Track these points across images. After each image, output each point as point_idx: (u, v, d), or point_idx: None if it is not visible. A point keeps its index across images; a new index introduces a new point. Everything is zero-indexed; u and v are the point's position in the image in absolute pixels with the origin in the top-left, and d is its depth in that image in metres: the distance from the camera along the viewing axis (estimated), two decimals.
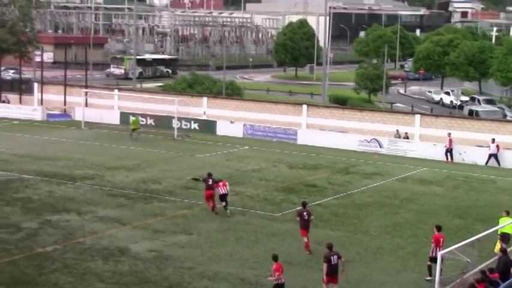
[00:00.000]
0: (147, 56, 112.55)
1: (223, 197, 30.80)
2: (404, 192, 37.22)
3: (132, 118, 51.78)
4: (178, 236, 27.76)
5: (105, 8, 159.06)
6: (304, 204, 27.26)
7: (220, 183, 30.93)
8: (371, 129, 51.36)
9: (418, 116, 51.46)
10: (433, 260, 23.11)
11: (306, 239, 26.40)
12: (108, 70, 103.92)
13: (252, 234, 28.36)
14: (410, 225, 30.65)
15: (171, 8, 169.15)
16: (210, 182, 31.03)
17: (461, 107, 73.69)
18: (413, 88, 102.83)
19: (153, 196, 33.80)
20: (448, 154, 47.10)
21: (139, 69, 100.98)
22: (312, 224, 26.94)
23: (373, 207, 33.64)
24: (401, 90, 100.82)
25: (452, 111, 73.45)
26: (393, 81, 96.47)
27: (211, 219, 30.17)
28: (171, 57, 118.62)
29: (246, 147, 48.99)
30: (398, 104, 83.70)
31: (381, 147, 49.53)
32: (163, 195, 34.01)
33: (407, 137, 49.66)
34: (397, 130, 50.13)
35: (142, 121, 54.93)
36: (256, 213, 31.34)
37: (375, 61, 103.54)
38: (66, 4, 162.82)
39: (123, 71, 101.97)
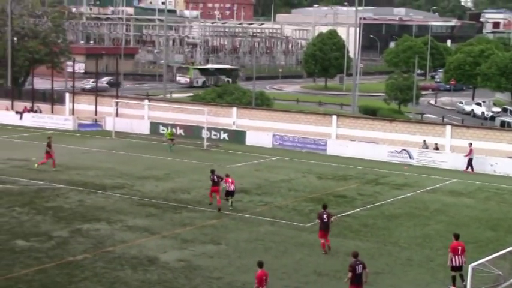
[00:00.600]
0: (210, 66, 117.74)
1: (230, 193, 33.04)
2: (434, 203, 36.90)
3: (167, 131, 52.12)
4: (207, 245, 27.78)
5: (136, 19, 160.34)
6: (324, 207, 27.79)
7: (229, 180, 33.12)
8: (401, 140, 51.11)
9: (448, 127, 51.11)
10: (454, 268, 23.36)
11: (322, 241, 27.09)
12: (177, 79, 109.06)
13: (280, 244, 28.29)
14: (440, 236, 30.35)
15: (202, 19, 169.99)
16: (216, 179, 33.12)
17: (493, 118, 73.06)
18: (444, 99, 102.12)
19: (182, 206, 33.88)
20: (469, 164, 46.97)
21: (203, 78, 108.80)
22: (341, 234, 26.80)
23: (403, 218, 33.39)
24: (432, 101, 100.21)
25: (484, 122, 72.85)
26: (424, 92, 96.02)
27: (240, 229, 30.16)
28: (231, 67, 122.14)
29: (276, 158, 48.96)
30: (428, 115, 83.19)
31: (411, 158, 49.21)
32: (192, 205, 34.06)
33: (437, 148, 49.27)
34: (424, 141, 49.77)
35: (171, 131, 55.11)
36: (285, 224, 31.27)
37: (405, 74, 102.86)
38: (98, 15, 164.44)
39: (188, 80, 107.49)
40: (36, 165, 41.46)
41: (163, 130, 56.31)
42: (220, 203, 32.97)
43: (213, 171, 33.55)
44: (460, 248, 23.61)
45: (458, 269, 23.52)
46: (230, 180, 33.21)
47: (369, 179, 42.76)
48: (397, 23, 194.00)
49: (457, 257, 23.43)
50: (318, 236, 27.43)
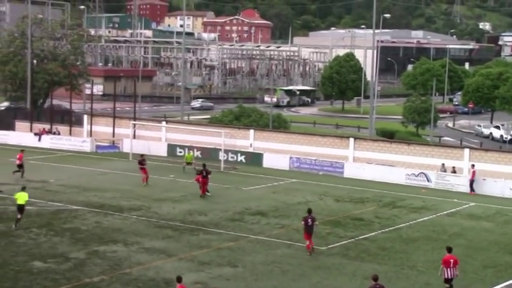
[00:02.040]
0: (293, 87, 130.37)
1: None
2: (452, 227, 36.62)
3: (186, 154, 52.21)
4: (223, 268, 27.70)
5: (154, 41, 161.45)
6: (309, 211, 30.26)
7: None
8: (419, 163, 50.86)
9: (467, 150, 50.80)
10: (446, 281, 24.58)
11: (307, 242, 29.68)
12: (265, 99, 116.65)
13: (297, 267, 28.15)
14: (459, 260, 30.03)
15: (219, 42, 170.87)
16: (205, 174, 41.35)
17: (511, 141, 72.57)
18: (462, 122, 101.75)
19: (199, 228, 33.84)
20: (471, 185, 47.07)
21: (288, 99, 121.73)
22: (358, 257, 26.65)
23: (421, 241, 33.14)
24: (450, 124, 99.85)
25: (503, 145, 72.39)
26: (442, 115, 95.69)
27: (256, 252, 30.06)
28: (311, 88, 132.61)
29: (292, 180, 48.87)
30: (446, 138, 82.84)
31: (428, 181, 48.95)
32: (209, 227, 34.02)
33: (454, 171, 49.00)
34: (443, 164, 49.54)
35: (190, 154, 55.21)
36: (302, 247, 31.08)
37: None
38: (117, 38, 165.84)
39: (275, 100, 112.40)
40: (144, 183, 44.43)
41: (180, 152, 56.44)
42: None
43: (204, 165, 42.18)
44: (452, 260, 24.59)
45: (449, 281, 24.60)
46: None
47: (386, 202, 42.55)
48: (414, 45, 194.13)
49: (449, 269, 24.52)
50: (304, 237, 29.96)
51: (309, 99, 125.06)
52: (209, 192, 41.81)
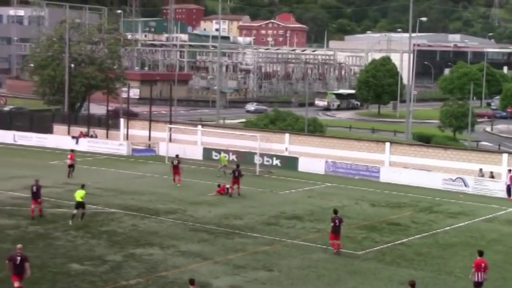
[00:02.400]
0: (343, 91, 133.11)
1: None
2: (491, 233, 36.18)
3: (220, 156, 52.34)
4: (259, 272, 27.68)
5: (190, 45, 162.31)
6: (335, 212, 30.93)
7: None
8: (456, 168, 50.36)
9: (505, 155, 50.16)
10: (477, 284, 24.39)
11: (332, 242, 30.37)
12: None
13: (333, 272, 28.03)
14: (497, 267, 29.68)
15: (255, 46, 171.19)
16: (236, 174, 42.62)
17: None
18: (501, 126, 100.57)
19: (235, 232, 33.88)
20: (508, 191, 46.49)
21: (338, 102, 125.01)
22: (394, 263, 26.47)
23: (458, 247, 32.79)
24: (488, 129, 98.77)
25: None
26: (479, 119, 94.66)
27: (292, 256, 30.00)
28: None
29: (328, 184, 48.72)
30: (484, 143, 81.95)
31: (466, 186, 48.43)
32: (244, 231, 34.04)
33: (492, 176, 48.40)
34: (481, 169, 48.96)
35: (225, 157, 55.36)
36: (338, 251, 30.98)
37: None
38: (153, 42, 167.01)
39: (326, 103, 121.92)
40: (178, 184, 45.69)
41: (216, 156, 56.59)
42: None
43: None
44: (483, 264, 24.51)
45: (480, 284, 24.44)
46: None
47: (423, 207, 42.19)
48: (451, 49, 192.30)
49: (479, 273, 24.39)
50: (330, 238, 30.39)
51: (358, 103, 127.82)
52: (240, 194, 42.74)
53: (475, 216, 40.17)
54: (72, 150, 49.20)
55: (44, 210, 35.91)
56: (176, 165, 46.41)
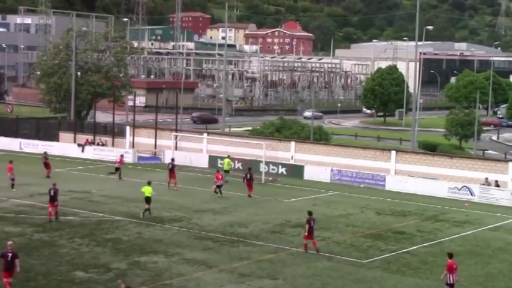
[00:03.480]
0: None
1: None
2: (496, 241, 36.06)
3: (225, 159, 52.17)
4: (264, 280, 27.64)
5: (196, 53, 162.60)
6: (310, 213, 31.80)
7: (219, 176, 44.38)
8: (462, 177, 50.24)
9: (511, 164, 50.01)
10: (450, 286, 25.68)
11: (306, 242, 31.48)
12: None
13: (338, 280, 27.97)
14: (503, 276, 29.61)
15: (261, 54, 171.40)
16: (249, 177, 45.37)
17: None
18: (507, 135, 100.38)
19: (240, 240, 33.86)
20: None
21: None
22: (400, 271, 26.45)
23: (464, 256, 32.68)
24: (494, 137, 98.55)
25: None
26: (485, 128, 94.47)
27: (297, 264, 29.96)
28: None
29: (333, 193, 48.66)
30: (490, 151, 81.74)
31: (472, 195, 48.30)
32: (249, 239, 34.01)
33: (498, 185, 48.26)
34: (486, 178, 48.82)
35: (230, 162, 55.28)
36: (343, 259, 30.93)
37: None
38: (159, 50, 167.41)
39: (372, 111, 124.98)
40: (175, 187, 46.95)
41: (221, 164, 56.54)
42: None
43: (250, 168, 46.54)
44: (454, 266, 25.84)
45: (452, 286, 25.54)
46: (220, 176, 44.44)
47: (428, 215, 42.09)
48: (458, 58, 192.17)
49: (452, 275, 25.66)
50: (305, 238, 31.54)
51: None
52: (251, 196, 45.06)
53: (480, 225, 40.05)
54: (122, 155, 53.51)
55: (49, 218, 35.99)
56: (171, 169, 47.49)
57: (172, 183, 47.20)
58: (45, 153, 53.19)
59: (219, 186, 44.48)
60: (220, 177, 44.71)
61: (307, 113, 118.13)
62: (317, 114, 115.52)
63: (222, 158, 56.76)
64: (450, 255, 26.24)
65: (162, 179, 50.81)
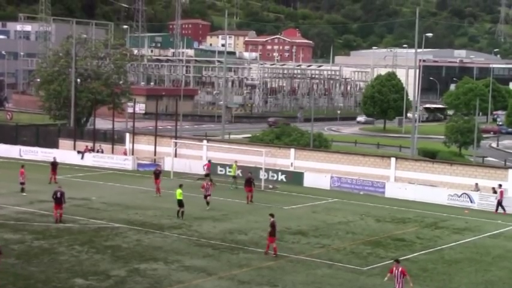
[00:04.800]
0: (430, 106, 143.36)
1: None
2: (496, 249, 36.03)
3: (233, 165, 52.30)
4: (263, 287, 27.59)
5: (196, 60, 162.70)
6: (272, 215, 32.44)
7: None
8: (461, 184, 50.23)
9: (511, 171, 50.01)
10: None
11: (269, 243, 32.00)
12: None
13: (338, 287, 27.95)
14: (503, 283, 29.58)
15: (261, 61, 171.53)
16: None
17: None
18: (507, 142, 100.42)
19: (239, 247, 33.82)
20: (499, 206, 46.60)
21: (427, 115, 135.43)
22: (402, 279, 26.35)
23: (464, 263, 32.67)
24: (494, 144, 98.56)
25: None
26: (485, 135, 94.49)
27: (297, 272, 29.92)
28: (443, 106, 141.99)
29: (333, 200, 48.63)
30: (490, 158, 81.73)
31: (471, 202, 48.29)
32: (249, 246, 33.98)
33: (495, 192, 48.22)
34: (476, 184, 48.94)
35: (230, 172, 55.38)
36: (343, 267, 30.90)
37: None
38: (159, 57, 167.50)
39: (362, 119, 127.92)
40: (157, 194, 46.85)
41: (221, 171, 56.60)
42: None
43: (250, 172, 47.08)
44: (394, 269, 25.29)
45: None
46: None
47: (428, 222, 42.07)
48: (457, 65, 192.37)
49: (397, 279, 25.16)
50: (270, 241, 31.99)
51: (442, 116, 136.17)
52: (252, 202, 45.31)
53: (480, 232, 40.03)
54: (209, 161, 54.44)
55: (49, 226, 35.96)
56: (157, 175, 47.61)
57: (156, 190, 47.15)
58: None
59: (206, 197, 42.89)
60: (205, 185, 43.16)
61: (360, 118, 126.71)
62: (369, 119, 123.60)
63: (222, 165, 56.94)
64: (397, 261, 25.81)
65: (162, 186, 50.78)
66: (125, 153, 61.11)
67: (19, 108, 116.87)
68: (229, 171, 54.15)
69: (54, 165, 51.30)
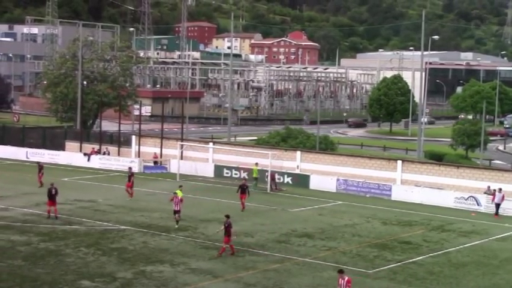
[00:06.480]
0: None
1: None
2: (503, 252, 35.90)
3: (254, 168, 52.26)
4: None
5: (202, 63, 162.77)
6: (228, 216, 32.53)
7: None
8: (468, 186, 50.06)
9: None
10: None
11: (225, 245, 32.02)
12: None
13: None
14: (510, 287, 29.46)
15: (266, 63, 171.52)
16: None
17: None
18: None
19: (245, 249, 33.78)
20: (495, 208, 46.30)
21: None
22: (406, 281, 26.34)
23: (471, 266, 32.56)
24: (501, 147, 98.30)
25: None
26: (492, 138, 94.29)
27: (302, 274, 29.87)
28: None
29: (339, 202, 48.55)
30: (497, 161, 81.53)
31: (478, 205, 48.11)
32: (255, 249, 33.94)
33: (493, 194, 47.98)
34: (489, 186, 48.63)
35: (236, 174, 55.39)
36: (349, 269, 30.76)
37: (470, 117, 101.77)
38: (165, 59, 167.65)
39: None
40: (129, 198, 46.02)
41: (227, 173, 56.57)
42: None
43: (245, 179, 47.01)
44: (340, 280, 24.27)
45: None
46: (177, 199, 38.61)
47: (434, 225, 41.95)
48: (464, 67, 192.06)
49: None
50: (225, 242, 32.04)
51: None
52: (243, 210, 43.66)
53: (487, 235, 39.90)
54: (256, 164, 52.80)
55: (55, 227, 35.99)
56: (129, 177, 46.82)
57: (129, 194, 46.56)
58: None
59: (175, 212, 38.12)
60: (176, 200, 38.26)
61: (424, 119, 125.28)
62: (431, 119, 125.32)
63: (228, 168, 56.93)
64: (341, 271, 24.73)
65: (167, 188, 50.86)
66: (155, 157, 60.88)
67: (26, 111, 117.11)
68: (227, 173, 54.02)
69: (41, 167, 51.06)
